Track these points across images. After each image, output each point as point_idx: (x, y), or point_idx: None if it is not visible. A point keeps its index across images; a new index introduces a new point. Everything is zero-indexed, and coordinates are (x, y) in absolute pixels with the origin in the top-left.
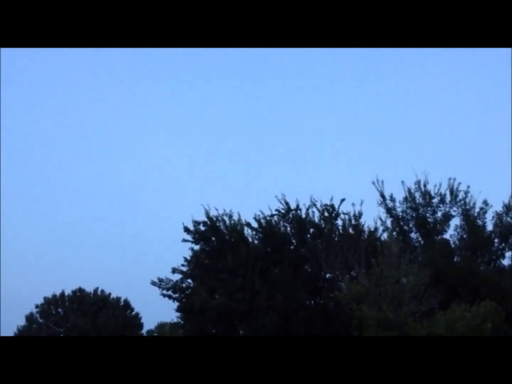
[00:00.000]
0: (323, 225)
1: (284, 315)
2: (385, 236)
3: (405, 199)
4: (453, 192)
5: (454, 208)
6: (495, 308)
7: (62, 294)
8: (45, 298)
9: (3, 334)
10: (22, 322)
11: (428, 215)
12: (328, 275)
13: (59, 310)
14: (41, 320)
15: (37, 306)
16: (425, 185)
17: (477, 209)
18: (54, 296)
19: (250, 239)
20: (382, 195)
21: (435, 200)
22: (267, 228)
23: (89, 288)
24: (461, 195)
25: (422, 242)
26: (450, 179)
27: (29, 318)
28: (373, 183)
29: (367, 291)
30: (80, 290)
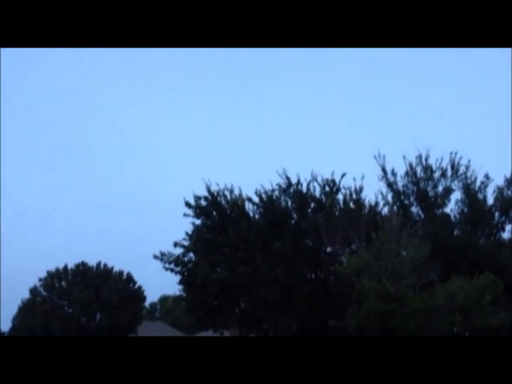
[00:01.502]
0: (324, 200)
1: (285, 288)
2: (385, 210)
3: (406, 173)
4: (455, 166)
5: (455, 182)
6: (494, 280)
7: (65, 268)
8: (48, 272)
9: (8, 307)
10: (26, 295)
11: (429, 189)
12: (328, 249)
13: (63, 283)
14: (44, 293)
15: (40, 280)
16: (426, 159)
17: (478, 183)
18: (57, 269)
19: (251, 214)
20: (384, 170)
21: (436, 174)
22: (268, 202)
23: (92, 262)
24: (462, 169)
25: (422, 216)
26: (451, 153)
27: (33, 291)
28: (375, 157)
29: (367, 265)
30: (83, 264)
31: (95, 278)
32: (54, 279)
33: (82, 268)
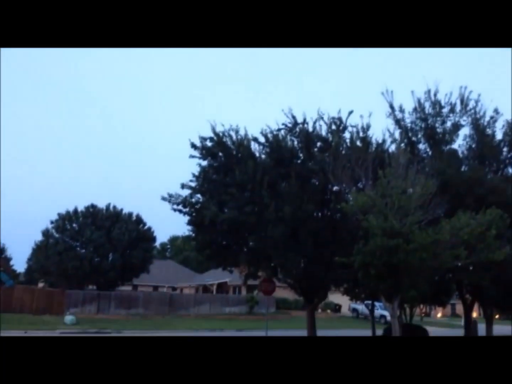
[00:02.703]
0: (330, 138)
1: (292, 227)
2: (393, 148)
3: (415, 109)
4: (464, 101)
5: (464, 118)
6: (500, 215)
7: (75, 210)
8: (59, 214)
9: (21, 250)
10: (39, 237)
11: (437, 125)
12: (335, 188)
13: (74, 225)
14: (57, 235)
15: (52, 222)
16: (435, 95)
17: (487, 118)
18: (68, 212)
19: (257, 154)
20: (391, 106)
21: (445, 110)
22: (274, 142)
23: (101, 205)
24: (471, 104)
25: (430, 153)
26: (461, 87)
27: (45, 233)
28: (382, 94)
29: (373, 202)
30: (93, 206)
31: (106, 220)
32: (65, 221)
33: (92, 210)
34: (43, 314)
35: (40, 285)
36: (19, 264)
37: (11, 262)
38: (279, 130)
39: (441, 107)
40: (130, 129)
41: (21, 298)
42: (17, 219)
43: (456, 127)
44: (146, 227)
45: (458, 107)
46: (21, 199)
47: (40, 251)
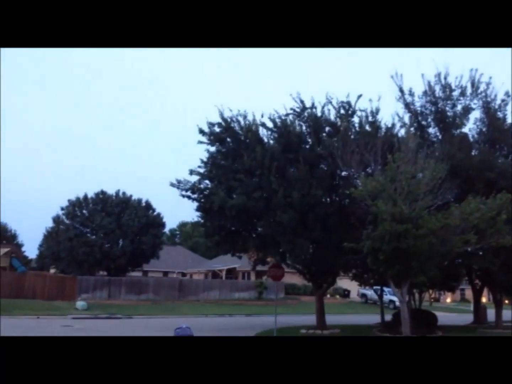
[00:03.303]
0: (339, 123)
1: (301, 212)
2: (402, 132)
3: (425, 93)
4: (474, 84)
5: (475, 101)
6: (511, 199)
7: (85, 196)
8: (69, 201)
9: (32, 236)
10: (50, 224)
11: (447, 108)
12: (344, 173)
13: (84, 211)
14: (67, 222)
15: (62, 209)
16: (445, 78)
17: (498, 101)
18: (78, 198)
19: (265, 139)
20: (401, 90)
21: (456, 93)
22: (282, 127)
23: (111, 191)
24: (482, 87)
25: (440, 137)
26: (472, 70)
27: (56, 220)
28: (392, 77)
29: (382, 187)
30: (103, 192)
31: (115, 206)
32: (75, 208)
33: (102, 197)
34: (55, 300)
35: (52, 271)
36: (31, 250)
37: (23, 249)
38: (287, 115)
39: (452, 90)
40: (139, 115)
41: (33, 284)
42: (28, 206)
43: (467, 110)
44: (155, 213)
45: (468, 90)
46: (32, 186)
47: (51, 238)
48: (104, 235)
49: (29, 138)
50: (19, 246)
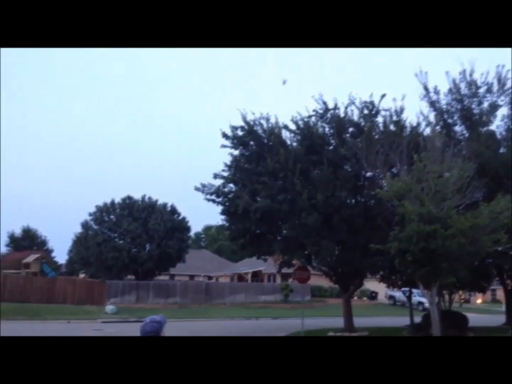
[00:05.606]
0: (362, 123)
1: (325, 214)
2: (428, 131)
3: (450, 90)
4: (501, 80)
5: (502, 98)
6: None
7: (113, 202)
8: (97, 207)
9: (62, 242)
10: (78, 229)
11: (473, 106)
12: (368, 174)
13: (111, 216)
14: (95, 227)
15: (90, 214)
16: (471, 75)
17: None
18: (105, 204)
19: (288, 142)
20: (425, 88)
21: (482, 90)
22: (305, 129)
23: (137, 196)
24: (509, 83)
25: (466, 135)
26: (498, 66)
27: (85, 225)
28: (416, 75)
29: (409, 187)
30: (129, 197)
31: (142, 211)
32: (103, 213)
33: (128, 202)
34: (85, 304)
35: (81, 276)
36: (61, 256)
37: (53, 254)
38: (309, 116)
39: (477, 87)
40: (164, 121)
41: (63, 289)
42: (58, 212)
43: (494, 107)
44: (180, 217)
45: (495, 87)
46: (61, 192)
47: (80, 243)
48: (131, 240)
49: (59, 146)
50: (49, 251)
